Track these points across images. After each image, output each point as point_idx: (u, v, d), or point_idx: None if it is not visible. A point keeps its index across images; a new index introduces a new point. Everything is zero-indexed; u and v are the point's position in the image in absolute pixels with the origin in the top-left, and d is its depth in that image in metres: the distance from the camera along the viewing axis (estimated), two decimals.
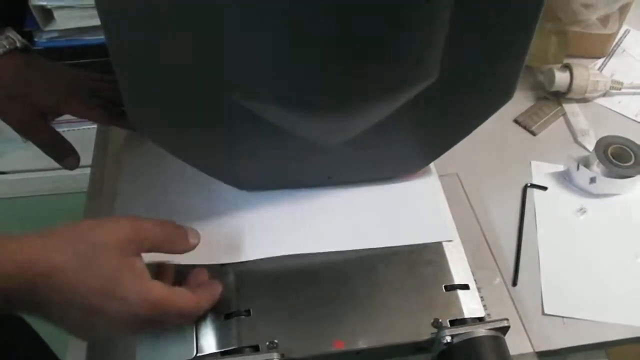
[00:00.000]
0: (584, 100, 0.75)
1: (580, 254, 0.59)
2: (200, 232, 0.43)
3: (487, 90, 0.44)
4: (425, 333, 0.44)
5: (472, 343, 0.42)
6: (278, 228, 0.50)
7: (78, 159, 0.55)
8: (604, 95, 0.76)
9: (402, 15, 0.34)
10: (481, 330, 0.43)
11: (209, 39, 0.35)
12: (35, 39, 1.06)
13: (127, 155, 0.56)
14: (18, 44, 0.50)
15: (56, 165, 0.54)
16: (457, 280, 0.47)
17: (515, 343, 0.46)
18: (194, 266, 0.45)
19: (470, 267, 0.49)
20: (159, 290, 0.38)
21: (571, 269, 0.57)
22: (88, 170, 0.62)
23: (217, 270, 0.46)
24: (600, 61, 0.82)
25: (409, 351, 0.44)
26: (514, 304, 0.53)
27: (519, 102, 0.75)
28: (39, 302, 0.34)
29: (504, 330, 0.44)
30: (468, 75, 0.42)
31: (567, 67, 0.74)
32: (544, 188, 0.64)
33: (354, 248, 0.49)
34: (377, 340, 0.43)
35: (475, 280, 0.48)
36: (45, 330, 0.71)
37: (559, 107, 0.74)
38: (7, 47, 0.49)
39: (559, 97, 0.75)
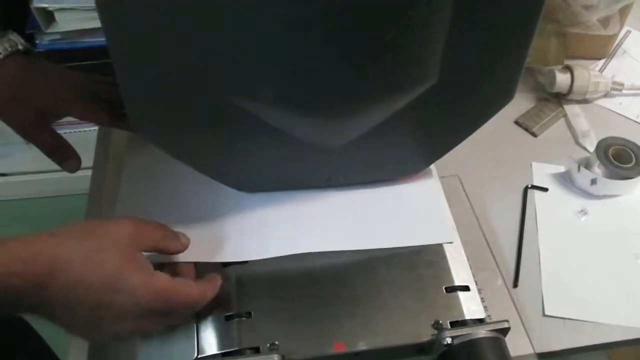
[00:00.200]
0: (585, 101, 0.75)
1: (581, 256, 0.59)
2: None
3: (487, 92, 0.44)
4: (425, 334, 0.44)
5: (472, 344, 0.42)
6: (278, 229, 0.50)
7: (79, 161, 0.55)
8: (605, 96, 0.76)
9: (402, 17, 0.34)
10: (481, 332, 0.43)
11: (209, 40, 0.35)
12: (37, 41, 1.06)
13: (129, 156, 0.56)
14: (20, 47, 0.50)
15: (58, 167, 0.54)
16: (457, 282, 0.47)
17: (515, 344, 0.47)
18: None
19: (471, 268, 0.49)
20: (164, 280, 0.39)
21: (572, 271, 0.57)
22: (90, 172, 0.62)
23: (218, 272, 0.46)
24: (601, 62, 0.82)
25: (410, 353, 0.45)
26: (514, 305, 0.53)
27: (520, 103, 0.75)
28: (45, 299, 0.35)
29: (505, 331, 0.44)
30: (468, 77, 0.42)
31: (568, 69, 0.74)
32: (545, 189, 0.64)
33: (355, 248, 0.49)
34: (377, 341, 0.43)
35: (475, 281, 0.48)
36: (47, 333, 0.71)
37: (560, 109, 0.74)
38: (9, 49, 0.49)
39: (560, 98, 0.75)
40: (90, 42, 1.07)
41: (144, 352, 0.42)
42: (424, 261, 0.48)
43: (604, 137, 0.65)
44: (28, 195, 1.42)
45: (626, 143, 0.65)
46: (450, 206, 0.53)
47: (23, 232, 0.36)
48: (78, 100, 0.52)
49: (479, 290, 0.47)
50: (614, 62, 0.82)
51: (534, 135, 0.71)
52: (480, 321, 0.45)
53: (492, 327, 0.43)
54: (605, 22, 0.76)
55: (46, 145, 0.53)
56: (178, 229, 0.48)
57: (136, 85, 0.38)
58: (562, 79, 0.73)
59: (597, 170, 0.64)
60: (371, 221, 0.51)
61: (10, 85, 0.49)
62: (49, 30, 1.05)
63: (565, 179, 0.66)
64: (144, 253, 0.40)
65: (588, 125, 0.72)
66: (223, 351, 0.42)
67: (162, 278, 0.39)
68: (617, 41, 0.82)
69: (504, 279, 0.55)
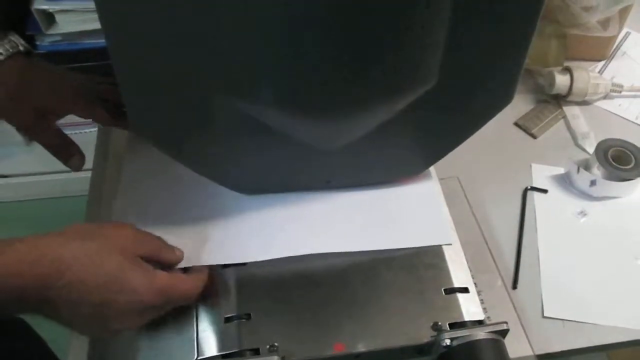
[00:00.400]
0: (585, 103, 0.75)
1: (581, 257, 0.59)
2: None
3: (487, 94, 0.44)
4: (425, 336, 0.44)
5: (471, 346, 0.42)
6: (278, 230, 0.50)
7: (84, 158, 0.55)
8: (605, 98, 0.76)
9: (402, 19, 0.34)
10: (481, 333, 0.43)
11: (209, 41, 0.35)
12: (38, 43, 1.06)
13: (129, 156, 0.56)
14: (20, 48, 0.50)
15: (60, 168, 0.55)
16: (456, 284, 0.47)
17: (515, 346, 0.47)
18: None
19: (471, 270, 0.49)
20: (164, 277, 0.41)
21: (571, 272, 0.57)
22: (90, 174, 0.62)
23: (218, 274, 0.46)
24: (601, 64, 0.82)
25: (409, 354, 0.45)
26: (514, 306, 0.53)
27: (519, 105, 0.75)
28: (49, 299, 0.36)
29: (504, 333, 0.44)
30: (468, 79, 0.42)
31: (568, 70, 0.74)
32: (545, 191, 0.65)
33: (354, 250, 0.49)
34: (377, 343, 0.43)
35: (475, 283, 0.48)
36: (47, 333, 0.71)
37: (560, 110, 0.74)
38: (10, 50, 0.49)
39: (560, 99, 0.75)
40: (90, 44, 1.07)
41: (144, 354, 0.43)
42: (424, 263, 0.48)
43: (603, 138, 0.66)
44: (28, 197, 1.42)
45: (625, 144, 0.65)
46: (449, 208, 0.53)
47: (23, 233, 0.37)
48: (79, 99, 0.53)
49: (479, 292, 0.47)
50: (613, 64, 0.82)
51: (534, 136, 0.71)
52: (480, 323, 0.45)
53: (491, 328, 0.43)
54: (604, 23, 0.76)
55: (50, 143, 0.53)
56: (177, 229, 0.48)
57: (136, 85, 0.38)
58: (561, 81, 0.73)
59: (597, 171, 0.64)
60: (371, 223, 0.51)
61: (12, 86, 0.50)
62: (50, 32, 1.05)
63: (565, 181, 0.66)
64: None
65: (587, 127, 0.72)
66: (223, 353, 0.42)
67: (162, 276, 0.41)
68: (616, 43, 0.82)
69: (503, 281, 0.55)
